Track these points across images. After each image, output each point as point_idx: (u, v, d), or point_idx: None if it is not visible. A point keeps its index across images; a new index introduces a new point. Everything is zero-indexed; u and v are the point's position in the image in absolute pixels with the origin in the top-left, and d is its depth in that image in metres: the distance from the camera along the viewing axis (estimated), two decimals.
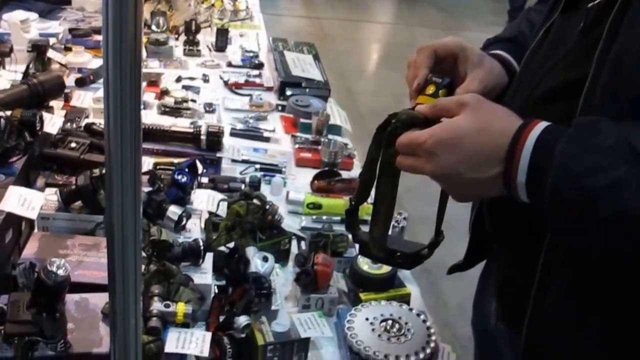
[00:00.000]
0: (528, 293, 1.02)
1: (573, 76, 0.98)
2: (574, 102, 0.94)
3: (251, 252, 1.41)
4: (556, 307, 1.01)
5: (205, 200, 1.58)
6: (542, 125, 0.90)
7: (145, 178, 1.56)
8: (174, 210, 1.45)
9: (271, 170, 1.95)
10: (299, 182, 1.92)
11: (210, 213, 1.57)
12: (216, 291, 1.39)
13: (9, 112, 1.63)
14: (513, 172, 0.89)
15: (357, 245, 1.59)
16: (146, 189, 1.53)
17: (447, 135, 0.93)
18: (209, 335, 1.23)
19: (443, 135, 0.93)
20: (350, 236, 1.60)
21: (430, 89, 1.07)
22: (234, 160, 1.97)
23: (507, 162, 0.89)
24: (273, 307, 1.37)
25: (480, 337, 1.42)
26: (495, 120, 0.93)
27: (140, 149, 0.98)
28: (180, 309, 1.23)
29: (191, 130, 1.94)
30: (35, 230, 1.48)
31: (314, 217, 1.73)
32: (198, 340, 1.22)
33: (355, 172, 2.02)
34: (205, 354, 1.20)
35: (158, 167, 1.73)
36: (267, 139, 2.15)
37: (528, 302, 1.02)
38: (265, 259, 1.39)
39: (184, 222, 1.47)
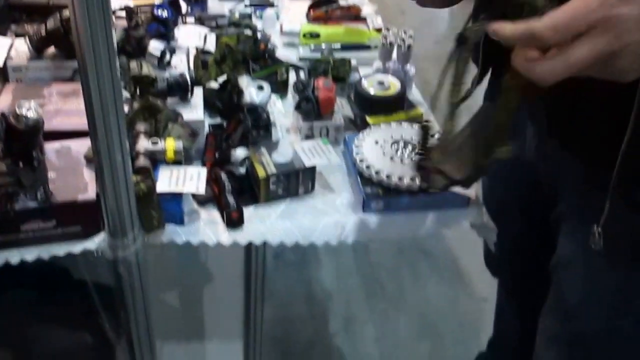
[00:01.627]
0: (606, 113, 0.82)
1: None
2: None
3: (244, 81, 1.24)
4: None
5: (191, 35, 1.40)
6: None
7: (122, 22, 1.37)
8: (155, 46, 1.27)
9: (263, 5, 1.74)
10: (293, 15, 1.72)
11: (198, 49, 1.39)
12: (211, 130, 1.24)
13: None
14: None
15: (359, 75, 1.41)
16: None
17: None
18: (204, 170, 1.08)
19: None
20: (352, 60, 1.43)
21: None
22: None
23: None
24: (273, 140, 1.22)
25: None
26: None
27: None
28: (170, 145, 1.08)
29: None
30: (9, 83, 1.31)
31: (312, 46, 1.54)
32: (193, 176, 1.07)
33: None
34: (201, 191, 1.05)
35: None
36: None
37: (607, 124, 0.82)
38: (260, 88, 1.22)
39: (168, 58, 1.29)
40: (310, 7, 1.69)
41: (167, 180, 1.06)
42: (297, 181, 1.13)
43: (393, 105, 1.27)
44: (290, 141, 1.20)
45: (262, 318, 1.61)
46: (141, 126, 1.10)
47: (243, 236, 1.09)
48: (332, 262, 2.33)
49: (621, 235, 0.91)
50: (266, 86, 1.22)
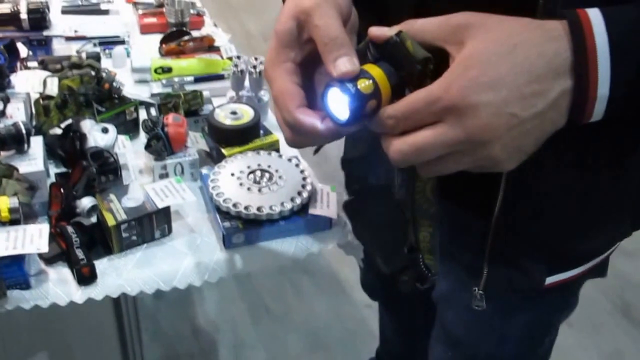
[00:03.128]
0: None
1: None
2: None
3: (87, 125, 1.12)
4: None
5: (30, 80, 1.26)
6: (595, 13, 0.54)
7: None
8: None
9: (112, 42, 1.62)
10: (147, 50, 1.61)
11: (40, 94, 1.25)
12: (57, 180, 1.11)
13: None
14: (591, 78, 0.54)
15: (212, 106, 1.33)
16: None
17: (475, 71, 0.53)
18: (45, 227, 0.96)
19: (470, 73, 0.53)
20: (205, 92, 1.34)
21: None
22: (69, 39, 1.63)
23: (577, 70, 0.54)
24: (124, 184, 1.10)
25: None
26: (523, 29, 0.55)
27: None
28: (3, 203, 0.95)
29: (8, 11, 1.56)
30: None
31: (164, 81, 1.44)
32: (33, 235, 0.94)
33: (207, 29, 1.72)
34: (44, 249, 0.93)
35: None
36: (105, 12, 1.80)
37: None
38: (105, 131, 1.10)
39: (0, 108, 1.14)
40: (162, 42, 1.59)
41: (3, 244, 0.92)
42: (151, 225, 1.03)
43: (247, 134, 1.19)
44: (141, 183, 1.09)
45: None
46: None
47: (98, 291, 0.98)
48: (216, 294, 2.22)
49: (500, 288, 0.86)
50: (111, 128, 1.11)
